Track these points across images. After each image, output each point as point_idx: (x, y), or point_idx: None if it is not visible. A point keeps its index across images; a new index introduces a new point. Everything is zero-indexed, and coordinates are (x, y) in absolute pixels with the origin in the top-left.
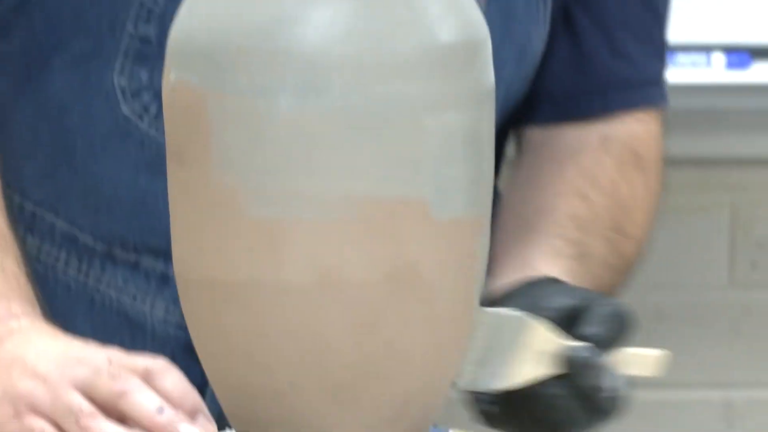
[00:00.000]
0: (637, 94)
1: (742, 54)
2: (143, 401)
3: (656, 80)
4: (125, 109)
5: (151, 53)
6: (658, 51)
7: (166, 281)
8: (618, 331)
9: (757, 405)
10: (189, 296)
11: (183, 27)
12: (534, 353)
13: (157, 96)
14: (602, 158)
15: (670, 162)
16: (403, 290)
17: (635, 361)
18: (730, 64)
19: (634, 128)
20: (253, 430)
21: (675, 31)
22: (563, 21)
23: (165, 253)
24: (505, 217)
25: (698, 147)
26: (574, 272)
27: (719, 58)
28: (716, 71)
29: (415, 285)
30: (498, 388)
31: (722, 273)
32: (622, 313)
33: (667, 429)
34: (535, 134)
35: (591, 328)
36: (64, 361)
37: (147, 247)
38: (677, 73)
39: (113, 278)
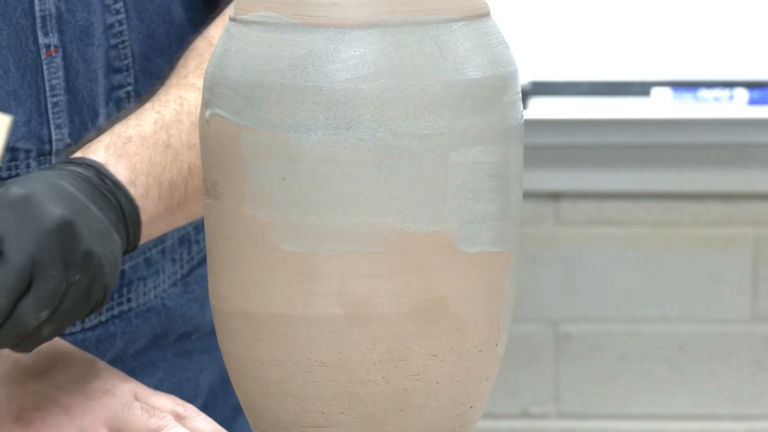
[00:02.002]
0: None
1: (764, 90)
2: None
3: None
4: None
5: None
6: None
7: None
8: None
9: None
10: (225, 329)
11: (218, 63)
12: None
13: None
14: None
15: (694, 196)
16: (430, 323)
17: None
18: (753, 100)
19: None
20: None
21: (698, 68)
22: None
23: None
24: None
25: (721, 181)
26: None
27: (742, 94)
28: (739, 106)
29: (442, 318)
30: None
31: (745, 306)
32: None
33: None
34: None
35: None
36: (88, 392)
37: None
38: (700, 108)
39: None
